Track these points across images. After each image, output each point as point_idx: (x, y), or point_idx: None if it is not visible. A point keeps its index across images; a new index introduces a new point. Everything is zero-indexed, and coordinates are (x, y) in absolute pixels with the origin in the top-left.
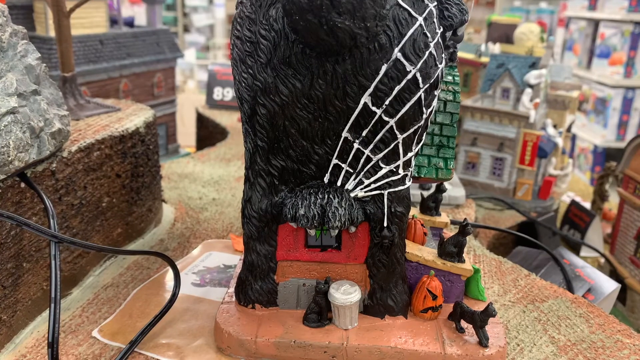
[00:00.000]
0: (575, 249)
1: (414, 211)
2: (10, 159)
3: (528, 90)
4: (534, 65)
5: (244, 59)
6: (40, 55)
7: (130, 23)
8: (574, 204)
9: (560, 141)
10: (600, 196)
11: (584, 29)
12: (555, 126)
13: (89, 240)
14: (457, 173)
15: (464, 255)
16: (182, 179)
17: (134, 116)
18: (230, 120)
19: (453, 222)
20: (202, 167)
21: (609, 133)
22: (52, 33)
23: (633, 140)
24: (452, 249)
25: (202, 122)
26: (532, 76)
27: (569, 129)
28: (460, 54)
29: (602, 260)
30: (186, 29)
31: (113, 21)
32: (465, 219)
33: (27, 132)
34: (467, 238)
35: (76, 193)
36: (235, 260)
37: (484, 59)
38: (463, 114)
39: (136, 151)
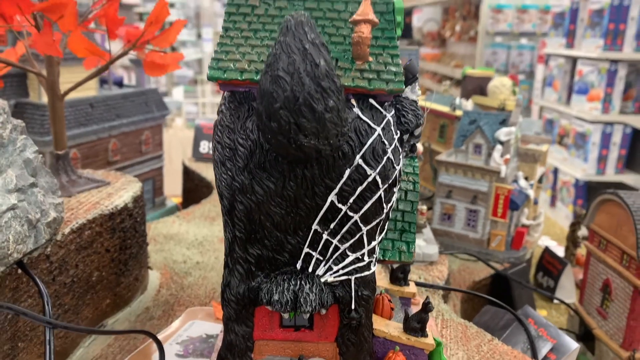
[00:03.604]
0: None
1: (384, 282)
2: (9, 252)
3: (499, 147)
4: (504, 122)
5: (223, 161)
6: (37, 148)
7: (119, 82)
8: (547, 251)
9: (531, 193)
10: (572, 242)
11: (563, 65)
12: (526, 178)
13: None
14: (433, 224)
15: (427, 328)
16: (167, 240)
17: (122, 190)
18: None
19: (421, 285)
20: (187, 227)
21: (589, 167)
22: (45, 99)
23: (597, 196)
24: (415, 325)
25: (189, 175)
26: (502, 133)
27: (540, 180)
28: (437, 106)
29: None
30: None
31: (103, 81)
32: (427, 296)
33: (25, 224)
34: (440, 305)
35: (68, 272)
36: (216, 329)
37: (459, 112)
38: (438, 167)
39: (124, 226)
